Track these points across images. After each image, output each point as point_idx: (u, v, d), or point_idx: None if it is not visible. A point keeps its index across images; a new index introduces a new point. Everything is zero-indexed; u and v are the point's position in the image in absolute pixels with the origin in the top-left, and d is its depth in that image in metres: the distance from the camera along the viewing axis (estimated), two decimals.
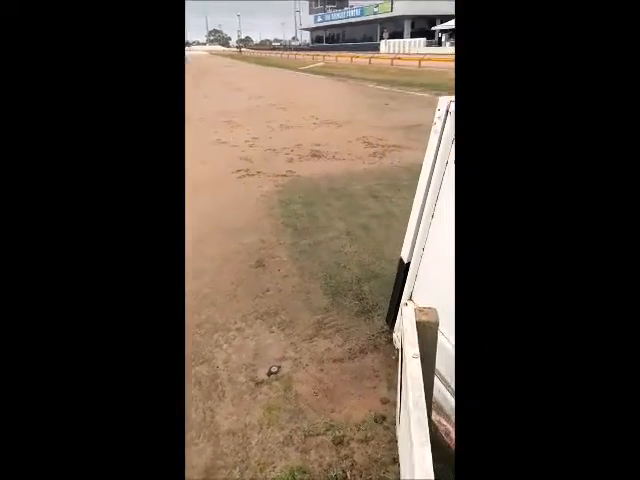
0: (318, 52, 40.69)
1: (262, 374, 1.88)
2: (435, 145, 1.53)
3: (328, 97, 12.58)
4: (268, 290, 2.53)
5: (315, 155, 5.76)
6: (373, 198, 3.98)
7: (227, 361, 1.97)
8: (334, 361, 1.94)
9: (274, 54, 54.00)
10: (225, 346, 2.06)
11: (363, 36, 53.74)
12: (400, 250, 1.88)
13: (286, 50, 63.17)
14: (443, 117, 1.47)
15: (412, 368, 1.18)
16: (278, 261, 2.88)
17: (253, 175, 4.94)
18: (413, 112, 9.01)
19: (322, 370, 1.90)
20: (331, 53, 36.65)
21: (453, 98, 1.44)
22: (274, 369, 1.91)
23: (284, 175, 4.89)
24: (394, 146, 6.01)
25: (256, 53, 61.25)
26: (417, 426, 1.02)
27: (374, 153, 5.70)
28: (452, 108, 1.43)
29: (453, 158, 1.47)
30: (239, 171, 5.13)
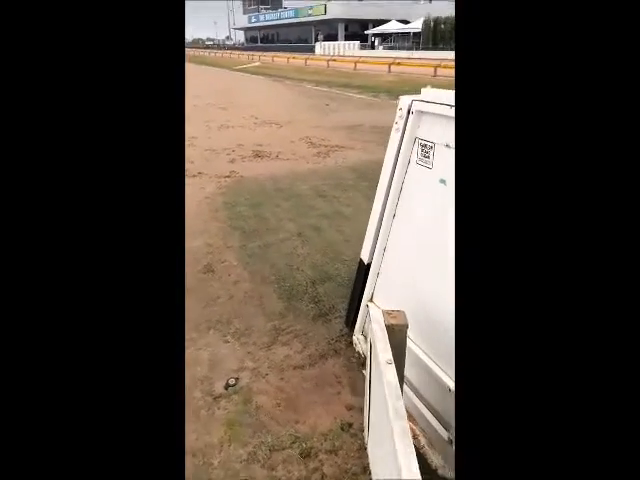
0: (254, 52, 40.21)
1: (219, 387, 1.76)
2: (397, 144, 1.51)
3: (267, 97, 12.42)
4: (219, 297, 2.39)
5: (258, 155, 5.62)
6: (321, 198, 3.94)
7: None
8: (294, 368, 1.86)
9: (207, 53, 52.71)
10: None
11: (298, 37, 53.94)
12: (354, 250, 1.85)
13: (220, 49, 61.84)
14: (405, 116, 1.45)
15: (388, 375, 1.13)
16: (227, 266, 2.74)
17: (194, 176, 4.72)
18: (353, 113, 9.13)
19: (283, 379, 1.81)
20: (267, 53, 36.38)
21: (415, 97, 1.41)
22: (232, 381, 1.79)
23: (227, 176, 4.72)
24: (337, 146, 6.03)
25: (189, 52, 59.23)
26: (401, 436, 0.97)
27: (318, 153, 5.67)
28: (414, 107, 1.41)
29: (415, 157, 1.45)
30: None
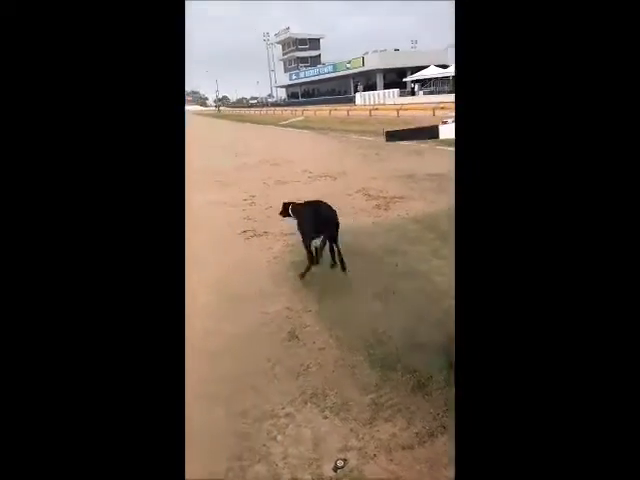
0: (296, 107, 42.19)
1: (328, 470, 1.70)
2: None
3: (317, 150, 12.86)
4: (309, 366, 2.37)
5: None
6: (390, 254, 3.91)
7: (286, 456, 1.78)
8: (403, 448, 1.77)
9: (252, 111, 55.78)
10: (279, 437, 1.88)
11: (337, 89, 56.25)
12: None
13: (263, 106, 65.42)
14: None
15: None
16: (311, 331, 2.73)
17: (260, 235, 4.86)
18: (403, 161, 9.22)
19: (392, 460, 1.72)
20: (309, 107, 38.04)
21: None
22: (340, 463, 1.72)
23: (292, 234, 4.81)
24: (395, 197, 6.06)
25: (234, 111, 63.19)
26: None
27: (377, 205, 5.71)
28: None
29: None
30: (245, 232, 5.04)
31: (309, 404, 2.07)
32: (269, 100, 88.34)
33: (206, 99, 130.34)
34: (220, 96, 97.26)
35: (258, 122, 32.00)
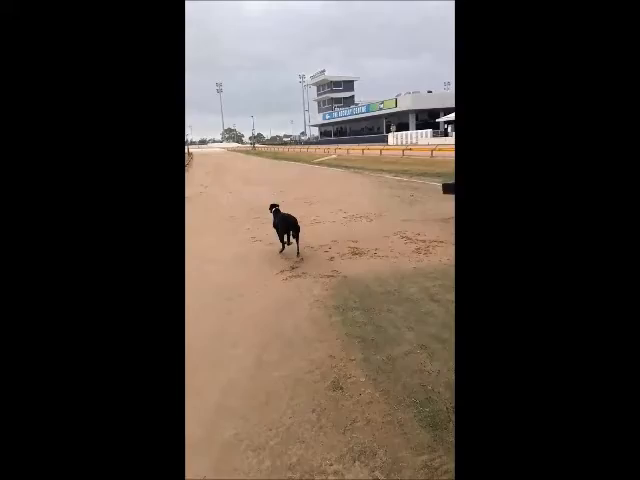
0: (329, 146, 43.13)
1: None
2: None
3: (351, 189, 13.00)
4: (355, 421, 2.31)
5: (355, 253, 5.75)
6: (435, 302, 3.85)
7: None
8: None
9: (286, 149, 57.37)
10: None
11: (369, 129, 57.35)
12: None
13: (297, 144, 67.33)
14: None
15: None
16: (355, 382, 2.68)
17: (299, 276, 4.89)
18: (439, 202, 9.19)
19: None
20: (341, 146, 38.83)
21: None
22: None
23: (331, 275, 4.83)
24: (435, 241, 6.01)
25: (269, 148, 65.28)
26: None
27: (417, 249, 5.67)
28: None
29: None
30: (283, 271, 5.09)
31: (357, 462, 2.01)
32: (302, 138, 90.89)
33: (242, 136, 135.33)
34: (255, 133, 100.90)
35: (292, 159, 32.83)
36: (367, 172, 17.88)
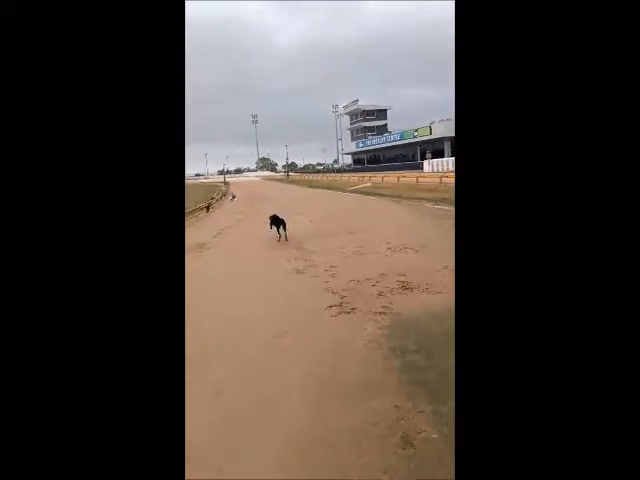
0: (363, 173, 43.28)
1: None
2: None
3: (391, 219, 12.81)
4: None
5: (406, 287, 5.51)
6: None
7: None
8: None
9: (319, 176, 57.96)
10: None
11: (402, 156, 57.34)
12: None
13: (330, 172, 68.01)
14: None
15: None
16: (427, 439, 2.44)
17: (349, 313, 4.69)
18: None
19: None
20: (376, 174, 38.84)
21: None
22: None
23: (382, 312, 4.61)
24: None
25: (303, 176, 66.21)
26: None
27: None
28: None
29: None
30: (331, 307, 4.91)
31: None
32: (335, 166, 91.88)
33: (275, 165, 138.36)
34: (289, 162, 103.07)
35: (327, 187, 33.05)
36: (405, 200, 17.66)
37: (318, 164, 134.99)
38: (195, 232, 12.67)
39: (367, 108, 69.31)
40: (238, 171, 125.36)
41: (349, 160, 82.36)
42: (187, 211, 16.24)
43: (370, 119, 69.39)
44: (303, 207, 18.55)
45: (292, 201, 23.27)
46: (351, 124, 75.61)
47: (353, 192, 25.74)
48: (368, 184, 30.94)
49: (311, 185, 39.36)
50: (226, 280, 6.64)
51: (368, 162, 68.66)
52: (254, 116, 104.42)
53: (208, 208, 19.56)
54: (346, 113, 76.36)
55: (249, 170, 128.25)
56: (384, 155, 63.88)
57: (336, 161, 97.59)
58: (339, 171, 68.17)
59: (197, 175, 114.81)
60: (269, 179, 71.79)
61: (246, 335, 4.20)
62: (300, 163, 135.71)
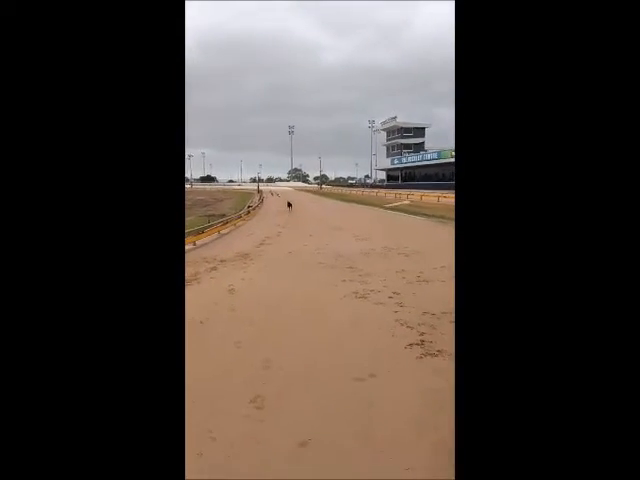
0: (399, 190, 42.50)
1: None
2: None
3: (443, 242, 12.04)
4: None
5: None
6: None
7: None
8: None
9: (354, 191, 57.33)
10: None
11: (438, 175, 56.28)
12: None
13: (363, 187, 67.45)
14: None
15: None
16: None
17: (435, 355, 4.02)
18: None
19: None
20: (413, 191, 37.98)
21: None
22: None
23: None
24: None
25: (335, 189, 65.81)
26: None
27: None
28: None
29: None
30: (411, 346, 4.24)
31: None
32: (367, 181, 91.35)
33: (307, 176, 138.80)
34: (320, 174, 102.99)
35: (362, 202, 32.40)
36: (450, 222, 16.84)
37: (349, 178, 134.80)
38: (236, 239, 12.26)
39: (405, 125, 68.60)
40: (270, 180, 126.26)
41: (381, 175, 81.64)
42: (225, 219, 15.96)
43: (407, 136, 68.60)
44: (342, 221, 17.98)
45: (329, 214, 22.75)
46: (387, 140, 75.01)
47: (391, 209, 25.00)
48: (406, 202, 30.16)
49: (344, 198, 38.76)
50: (280, 304, 6.04)
51: (403, 179, 67.80)
52: (291, 127, 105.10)
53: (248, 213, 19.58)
54: (383, 129, 75.84)
55: (280, 180, 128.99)
56: (419, 173, 62.90)
57: (368, 176, 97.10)
58: (372, 186, 67.56)
59: (230, 181, 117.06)
60: (302, 190, 71.60)
61: (325, 382, 3.59)
62: (331, 176, 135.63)
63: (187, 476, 1.33)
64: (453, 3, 1.11)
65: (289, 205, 23.37)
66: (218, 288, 6.73)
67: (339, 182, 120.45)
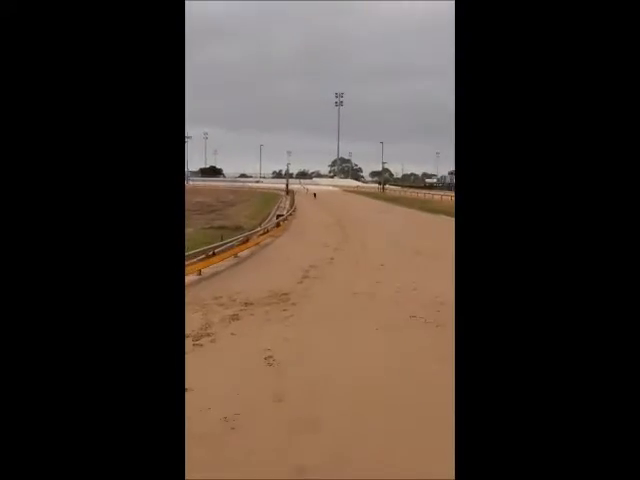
0: None
1: None
2: None
3: None
4: None
5: None
6: None
7: None
8: None
9: (438, 194, 55.13)
10: None
11: None
12: None
13: (448, 189, 65.71)
14: None
15: None
16: None
17: None
18: None
19: None
20: None
21: None
22: None
23: None
24: None
25: (407, 193, 63.76)
26: None
27: None
28: None
29: None
30: None
31: None
32: (454, 180, 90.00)
33: (359, 170, 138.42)
34: (383, 168, 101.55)
35: (448, 213, 31.31)
36: None
37: (425, 175, 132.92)
38: (267, 267, 11.65)
39: None
40: (303, 175, 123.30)
41: None
42: (244, 234, 15.46)
43: None
44: (441, 262, 17.00)
45: (413, 240, 21.87)
46: None
47: None
48: None
49: (424, 207, 37.65)
50: (360, 392, 5.18)
51: None
52: (339, 95, 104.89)
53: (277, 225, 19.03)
54: None
55: (319, 175, 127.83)
56: None
57: (451, 172, 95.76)
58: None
59: (243, 176, 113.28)
60: (354, 191, 70.44)
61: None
62: (397, 171, 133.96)
63: (187, 476, 1.70)
64: (453, 3, 1.60)
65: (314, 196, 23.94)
66: (247, 354, 5.96)
67: (409, 181, 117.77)
